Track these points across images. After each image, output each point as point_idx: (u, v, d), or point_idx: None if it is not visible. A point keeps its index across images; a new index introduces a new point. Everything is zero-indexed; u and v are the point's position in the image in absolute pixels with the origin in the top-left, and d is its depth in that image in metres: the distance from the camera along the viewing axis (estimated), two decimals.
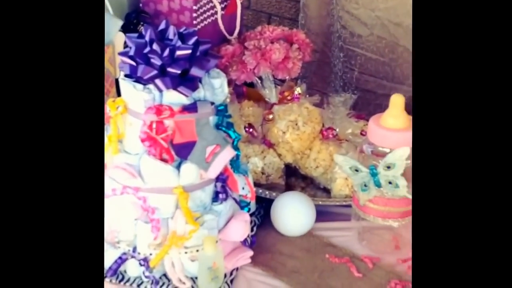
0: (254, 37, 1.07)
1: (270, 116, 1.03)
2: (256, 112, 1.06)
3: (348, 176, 0.85)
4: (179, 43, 0.71)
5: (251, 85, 1.07)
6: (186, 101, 0.73)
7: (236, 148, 0.80)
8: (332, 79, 1.71)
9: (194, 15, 1.01)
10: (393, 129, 0.80)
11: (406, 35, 1.44)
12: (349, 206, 0.90)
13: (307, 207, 0.89)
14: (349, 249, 0.88)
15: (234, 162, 0.82)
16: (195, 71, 0.71)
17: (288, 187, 1.01)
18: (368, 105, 1.59)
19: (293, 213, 0.89)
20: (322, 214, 0.93)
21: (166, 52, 0.70)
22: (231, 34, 1.10)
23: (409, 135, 0.80)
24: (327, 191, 1.00)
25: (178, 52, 0.70)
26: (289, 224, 0.89)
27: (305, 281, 0.81)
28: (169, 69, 0.70)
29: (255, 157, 0.99)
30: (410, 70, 1.49)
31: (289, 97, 1.04)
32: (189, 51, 0.71)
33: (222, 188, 0.80)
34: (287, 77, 1.07)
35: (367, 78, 1.58)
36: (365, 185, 0.82)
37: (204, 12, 1.03)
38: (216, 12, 1.06)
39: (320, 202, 0.94)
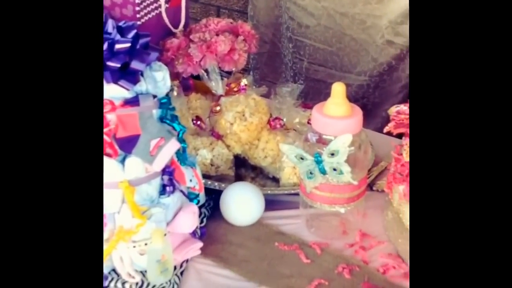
0: (199, 29, 1.07)
1: (217, 108, 1.03)
2: (204, 104, 1.07)
3: (294, 164, 0.86)
4: (118, 37, 0.71)
5: (198, 77, 1.07)
6: (127, 94, 0.73)
7: (181, 140, 0.80)
8: (283, 70, 1.72)
9: (137, 8, 1.00)
10: (335, 117, 0.81)
11: (352, 25, 1.47)
12: (297, 194, 0.91)
13: (255, 196, 0.90)
14: (298, 236, 0.89)
15: (181, 155, 0.82)
16: (135, 65, 0.71)
17: (238, 178, 1.01)
18: (319, 95, 1.62)
19: (242, 203, 0.89)
20: (272, 203, 0.94)
21: (105, 46, 0.69)
22: (176, 27, 1.10)
23: (351, 122, 0.81)
24: (276, 180, 1.01)
25: (117, 46, 0.70)
26: (238, 214, 0.90)
27: (255, 269, 0.82)
28: (109, 63, 0.70)
29: (203, 149, 0.99)
30: (357, 58, 1.52)
31: (235, 89, 1.04)
32: (129, 45, 0.71)
33: (169, 181, 0.80)
34: (233, 69, 1.08)
35: (317, 68, 1.60)
36: (311, 173, 0.83)
37: (148, 5, 1.03)
38: (160, 5, 1.05)
39: (269, 192, 0.95)
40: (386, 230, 0.90)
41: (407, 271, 0.82)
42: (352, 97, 1.51)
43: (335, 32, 1.50)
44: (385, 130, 0.82)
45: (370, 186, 1.00)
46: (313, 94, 1.59)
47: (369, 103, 1.56)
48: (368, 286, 0.79)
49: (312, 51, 1.58)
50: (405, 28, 1.42)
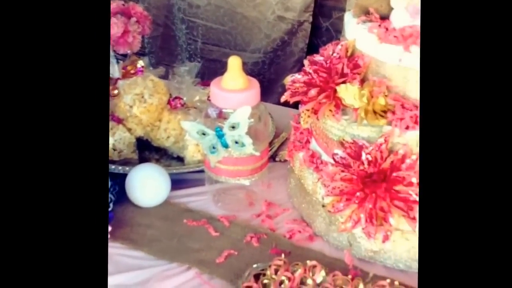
0: None
1: (115, 92, 1.02)
2: None
3: (197, 141, 0.87)
4: None
5: None
6: None
7: None
8: (179, 52, 1.72)
9: None
10: (233, 90, 0.83)
11: (242, 2, 1.49)
12: (202, 171, 0.93)
13: (160, 176, 0.90)
14: (206, 211, 0.90)
15: None
16: None
17: (142, 161, 1.01)
18: (215, 74, 1.62)
19: (147, 184, 0.89)
20: (178, 182, 0.95)
21: None
22: None
23: (249, 95, 0.83)
24: (181, 159, 1.02)
25: None
26: (144, 195, 0.89)
27: (165, 247, 0.83)
28: None
29: None
30: (250, 36, 1.54)
31: (132, 71, 1.03)
32: None
33: None
34: (129, 52, 1.07)
35: (211, 48, 1.61)
36: (214, 147, 0.84)
37: None
38: None
39: (174, 171, 0.96)
40: (290, 197, 0.93)
41: (312, 233, 0.85)
42: (248, 75, 1.54)
43: (226, 10, 1.52)
44: (282, 100, 0.84)
45: (273, 158, 1.03)
46: (209, 74, 1.60)
47: (265, 80, 1.59)
48: (276, 251, 0.81)
49: (205, 31, 1.59)
50: (295, 3, 1.46)
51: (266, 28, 1.51)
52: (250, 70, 1.55)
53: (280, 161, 1.02)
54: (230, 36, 1.56)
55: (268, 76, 1.60)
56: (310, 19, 1.50)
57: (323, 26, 1.52)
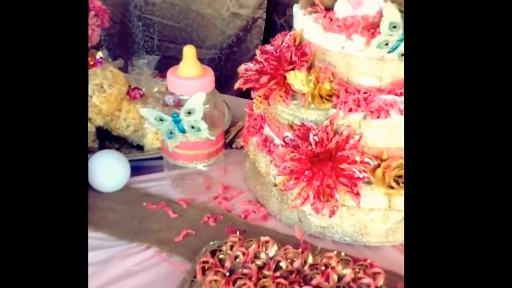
0: None
1: None
2: None
3: (155, 127, 0.91)
4: None
5: None
6: None
7: None
8: (136, 50, 1.75)
9: None
10: (189, 78, 0.87)
11: (197, 0, 1.53)
12: (161, 158, 0.97)
13: (120, 162, 0.94)
14: (165, 195, 0.94)
15: None
16: None
17: (103, 149, 1.04)
18: None
19: (107, 170, 0.93)
20: (138, 169, 0.99)
21: None
22: None
23: (203, 82, 0.88)
24: (141, 148, 1.06)
25: None
26: (105, 180, 0.93)
27: (125, 229, 0.86)
28: None
29: None
30: (206, 33, 1.58)
31: (91, 63, 1.07)
32: None
33: None
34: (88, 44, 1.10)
35: (167, 45, 1.65)
36: (171, 133, 0.88)
37: None
38: None
39: (134, 157, 1.00)
40: (245, 181, 0.98)
41: (266, 213, 0.91)
42: None
43: (181, 8, 1.56)
44: (235, 87, 0.89)
45: (229, 145, 1.08)
46: (166, 70, 1.63)
47: (222, 76, 1.64)
48: (232, 230, 0.86)
49: (161, 28, 1.62)
50: (249, 0, 1.51)
51: (221, 25, 1.55)
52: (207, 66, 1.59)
53: (236, 148, 1.07)
54: (186, 33, 1.60)
55: (225, 72, 1.64)
56: (264, 16, 1.55)
57: (278, 23, 1.58)
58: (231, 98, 1.22)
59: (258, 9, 1.53)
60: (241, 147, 1.04)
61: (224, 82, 1.63)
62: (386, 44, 0.78)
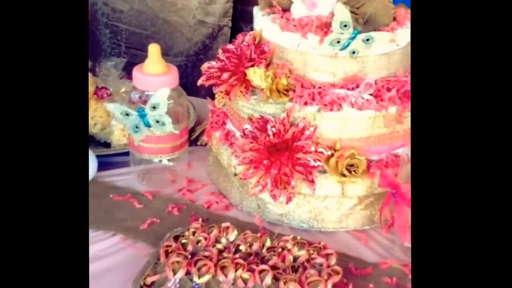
0: None
1: None
2: None
3: (121, 121, 0.95)
4: None
5: None
6: None
7: None
8: (103, 56, 1.79)
9: None
10: (154, 74, 0.92)
11: (164, 8, 1.58)
12: (127, 154, 1.01)
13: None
14: (131, 188, 0.98)
15: None
16: None
17: None
18: None
19: None
20: (105, 165, 1.02)
21: None
22: None
23: (167, 78, 0.93)
24: (108, 145, 1.10)
25: None
26: None
27: (92, 218, 0.89)
28: None
29: None
30: (173, 40, 1.63)
31: None
32: None
33: None
34: None
35: (135, 52, 1.69)
36: (137, 127, 0.93)
37: None
38: None
39: (101, 153, 1.04)
40: (209, 174, 1.02)
41: (228, 203, 0.95)
42: None
43: (148, 15, 1.61)
44: (198, 83, 0.94)
45: (195, 142, 1.12)
46: None
47: (189, 83, 1.68)
48: (195, 218, 0.90)
49: (128, 35, 1.67)
50: (215, 8, 1.56)
51: (187, 32, 1.61)
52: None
53: (201, 145, 1.12)
54: (153, 40, 1.64)
55: (191, 79, 1.69)
56: (230, 23, 1.60)
57: (244, 30, 1.63)
58: (197, 100, 1.26)
59: (224, 17, 1.59)
60: (205, 145, 1.09)
61: (191, 89, 1.68)
62: (338, 42, 0.84)
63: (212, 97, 0.96)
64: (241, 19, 1.62)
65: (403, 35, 0.86)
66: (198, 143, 1.12)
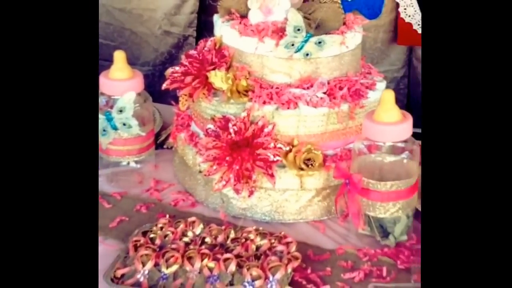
0: None
1: None
2: None
3: None
4: None
5: None
6: None
7: None
8: None
9: None
10: (120, 79, 0.98)
11: (130, 19, 1.62)
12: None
13: None
14: (100, 190, 1.02)
15: None
16: None
17: None
18: None
19: None
20: None
21: None
22: None
23: (133, 83, 0.99)
24: None
25: None
26: None
27: None
28: None
29: None
30: (139, 51, 1.67)
31: None
32: None
33: None
34: None
35: (103, 63, 1.70)
36: (104, 130, 0.97)
37: None
38: None
39: None
40: (175, 174, 1.07)
41: (194, 201, 1.00)
42: None
43: (116, 27, 1.64)
44: (163, 88, 0.99)
45: (161, 146, 1.17)
46: None
47: (156, 91, 1.73)
48: (163, 215, 0.95)
49: None
50: (179, 19, 1.61)
51: (154, 42, 1.65)
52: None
53: (167, 148, 1.16)
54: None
55: (158, 88, 1.73)
56: (194, 33, 1.65)
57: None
58: (163, 106, 1.31)
59: (189, 27, 1.64)
60: (171, 147, 1.13)
61: (157, 97, 1.72)
62: (292, 45, 0.91)
63: (177, 102, 1.02)
64: (205, 28, 1.67)
65: (352, 38, 0.93)
66: (164, 146, 1.17)
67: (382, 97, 0.85)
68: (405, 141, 0.85)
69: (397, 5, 1.30)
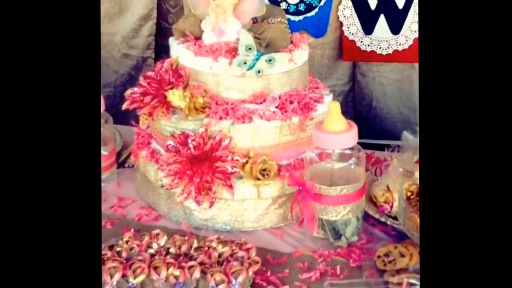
0: None
1: None
2: None
3: None
4: None
5: None
6: None
7: None
8: None
9: None
10: None
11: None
12: None
13: None
14: None
15: None
16: None
17: None
18: None
19: None
20: None
21: None
22: None
23: None
24: None
25: None
26: None
27: None
28: None
29: None
30: (100, 73, 1.72)
31: None
32: None
33: None
34: None
35: None
36: None
37: None
38: None
39: None
40: (137, 191, 1.11)
41: (157, 215, 1.04)
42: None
43: None
44: (123, 108, 1.04)
45: (122, 165, 1.21)
46: None
47: (118, 112, 1.77)
48: (127, 230, 0.99)
49: None
50: (137, 41, 1.66)
51: (114, 65, 1.69)
52: (104, 104, 1.71)
53: (128, 166, 1.20)
54: None
55: (120, 109, 1.77)
56: (153, 55, 1.70)
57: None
58: (123, 127, 1.35)
59: (147, 49, 1.69)
60: (133, 166, 1.17)
61: (119, 117, 1.76)
62: (245, 63, 0.97)
63: (138, 121, 1.06)
64: (162, 51, 1.72)
65: (300, 55, 1.00)
66: (126, 165, 1.21)
67: (328, 108, 0.92)
68: (351, 148, 0.92)
69: (341, 24, 1.37)
